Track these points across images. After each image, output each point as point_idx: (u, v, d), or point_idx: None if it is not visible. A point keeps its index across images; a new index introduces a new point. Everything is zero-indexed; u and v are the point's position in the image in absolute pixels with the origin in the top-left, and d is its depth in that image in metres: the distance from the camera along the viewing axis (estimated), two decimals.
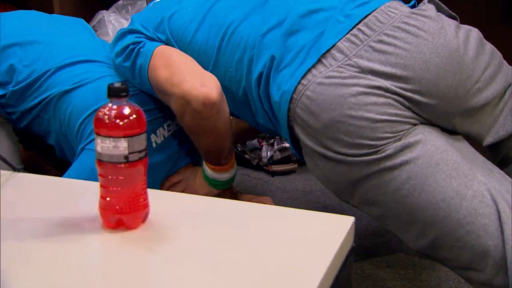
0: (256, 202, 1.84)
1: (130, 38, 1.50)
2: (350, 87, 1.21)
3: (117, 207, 0.87)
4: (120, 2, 2.64)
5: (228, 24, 1.41)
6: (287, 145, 2.33)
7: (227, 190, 1.71)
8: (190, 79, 1.36)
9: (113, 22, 2.53)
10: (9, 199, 0.99)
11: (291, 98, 1.27)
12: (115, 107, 0.85)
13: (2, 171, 1.09)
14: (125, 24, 2.53)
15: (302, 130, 1.28)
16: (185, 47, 1.47)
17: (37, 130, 1.64)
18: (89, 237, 0.88)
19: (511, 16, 2.41)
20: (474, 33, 1.32)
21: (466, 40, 1.28)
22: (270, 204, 1.86)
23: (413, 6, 1.37)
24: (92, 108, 1.50)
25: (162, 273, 0.79)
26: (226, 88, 1.42)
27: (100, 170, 0.87)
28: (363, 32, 1.27)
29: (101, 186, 0.87)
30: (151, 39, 1.49)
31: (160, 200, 0.97)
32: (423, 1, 1.37)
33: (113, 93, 0.85)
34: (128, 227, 0.88)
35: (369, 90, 1.21)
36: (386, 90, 1.22)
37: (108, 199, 0.87)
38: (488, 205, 1.19)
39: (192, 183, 1.61)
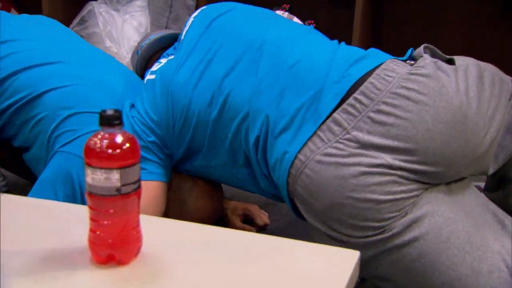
0: (243, 209, 1.83)
1: None
2: (351, 167, 1.18)
3: (108, 241, 0.83)
4: None
5: (221, 90, 1.38)
6: None
7: (212, 197, 1.69)
8: None
9: (103, 14, 2.51)
10: None
11: (289, 173, 1.24)
12: (107, 135, 0.81)
13: None
14: (116, 16, 2.51)
15: (303, 207, 1.26)
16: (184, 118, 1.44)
17: (9, 135, 1.59)
18: (77, 273, 0.83)
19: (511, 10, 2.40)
20: (472, 70, 1.27)
21: (467, 88, 1.24)
22: (257, 212, 1.84)
23: (410, 56, 1.33)
24: (66, 113, 1.47)
25: None
26: (227, 162, 1.42)
27: (90, 202, 0.83)
28: (360, 102, 1.22)
29: (91, 219, 0.83)
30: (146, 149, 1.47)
31: (154, 230, 0.93)
32: (419, 50, 1.32)
33: (106, 121, 0.80)
34: (120, 262, 0.85)
35: (371, 170, 1.18)
36: (390, 167, 1.18)
37: (98, 232, 0.83)
38: (507, 280, 1.17)
39: None
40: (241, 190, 1.63)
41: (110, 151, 0.79)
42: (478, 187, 1.94)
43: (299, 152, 1.23)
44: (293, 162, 1.24)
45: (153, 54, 1.69)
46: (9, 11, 2.82)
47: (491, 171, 1.33)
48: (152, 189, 1.45)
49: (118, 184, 0.80)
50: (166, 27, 2.38)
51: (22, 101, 1.51)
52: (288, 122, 1.27)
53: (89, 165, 0.80)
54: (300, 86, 1.31)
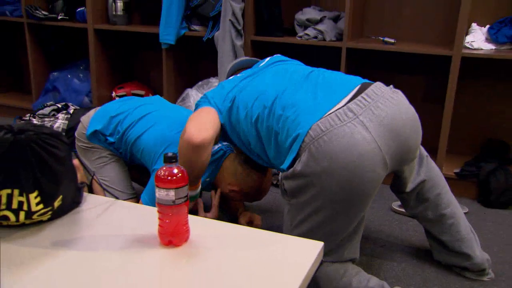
0: (249, 216, 1.74)
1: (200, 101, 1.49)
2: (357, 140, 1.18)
3: (169, 231, 0.89)
4: (200, 83, 2.70)
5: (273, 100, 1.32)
6: None
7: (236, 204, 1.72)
8: (191, 128, 1.30)
9: (194, 95, 2.59)
10: (108, 220, 1.01)
11: (307, 134, 1.19)
12: (168, 168, 0.87)
13: (106, 198, 1.11)
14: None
15: (310, 159, 1.20)
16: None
17: (135, 160, 1.72)
18: (150, 251, 0.89)
19: (431, 95, 2.38)
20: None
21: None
22: (256, 218, 1.73)
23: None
24: (163, 146, 1.57)
25: (193, 277, 0.81)
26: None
27: (158, 208, 0.89)
28: (365, 99, 1.22)
29: (159, 218, 0.90)
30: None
31: (198, 226, 0.97)
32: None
33: (167, 160, 0.87)
34: (176, 244, 0.90)
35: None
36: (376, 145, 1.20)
37: (162, 226, 0.90)
38: None
39: None
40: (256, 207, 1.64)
41: (169, 178, 0.86)
42: (398, 206, 1.95)
43: (320, 121, 1.18)
44: (310, 129, 1.18)
45: (236, 70, 1.66)
46: (148, 95, 2.97)
47: (408, 189, 1.36)
48: (209, 109, 1.40)
49: (173, 198, 0.86)
50: None
51: (132, 141, 1.64)
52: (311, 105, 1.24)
53: (157, 186, 0.87)
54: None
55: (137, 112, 1.70)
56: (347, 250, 1.31)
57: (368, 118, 1.19)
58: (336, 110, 1.20)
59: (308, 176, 1.20)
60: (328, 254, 1.29)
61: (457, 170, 2.18)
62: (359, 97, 1.22)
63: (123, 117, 1.69)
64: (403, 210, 1.98)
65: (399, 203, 2.03)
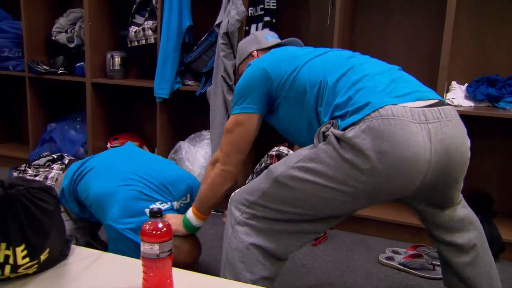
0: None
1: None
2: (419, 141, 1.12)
3: (152, 285, 0.89)
4: (192, 135, 2.74)
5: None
6: None
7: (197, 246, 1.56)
8: (225, 159, 1.37)
9: (186, 148, 2.61)
10: (93, 273, 1.00)
11: (376, 110, 1.12)
12: (153, 223, 0.88)
13: (93, 251, 1.10)
14: (192, 148, 2.61)
15: (366, 134, 1.11)
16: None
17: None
18: None
19: None
20: None
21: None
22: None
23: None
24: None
25: None
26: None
27: (142, 262, 0.89)
28: (440, 113, 1.17)
29: (143, 271, 0.90)
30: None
31: (181, 279, 0.97)
32: None
33: (152, 215, 0.88)
34: None
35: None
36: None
37: (147, 280, 0.89)
38: None
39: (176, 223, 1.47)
40: None
41: (154, 232, 0.87)
42: (386, 258, 1.91)
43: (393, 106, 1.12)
44: (382, 108, 1.11)
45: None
46: (142, 146, 2.99)
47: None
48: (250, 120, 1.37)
49: (158, 252, 0.87)
50: None
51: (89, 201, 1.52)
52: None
53: (142, 240, 0.87)
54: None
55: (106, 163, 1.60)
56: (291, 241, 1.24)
57: (435, 130, 1.14)
58: (412, 107, 1.14)
59: (354, 147, 1.11)
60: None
61: None
62: (435, 108, 1.17)
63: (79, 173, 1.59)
64: (390, 262, 1.96)
65: (386, 255, 2.02)
